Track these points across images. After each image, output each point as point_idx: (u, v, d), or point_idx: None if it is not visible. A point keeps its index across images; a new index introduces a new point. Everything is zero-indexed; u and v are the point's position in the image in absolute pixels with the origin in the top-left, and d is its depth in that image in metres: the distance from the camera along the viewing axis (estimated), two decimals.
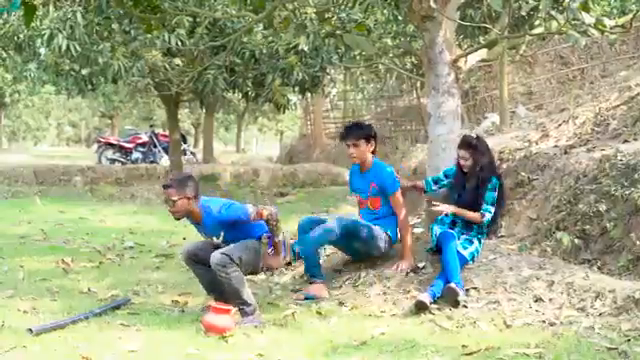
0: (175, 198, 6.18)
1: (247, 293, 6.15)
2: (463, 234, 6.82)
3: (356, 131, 7.16)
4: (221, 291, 6.31)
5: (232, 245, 6.21)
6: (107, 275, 8.02)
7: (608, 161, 8.22)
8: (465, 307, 6.11)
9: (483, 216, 6.83)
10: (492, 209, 6.85)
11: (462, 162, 6.94)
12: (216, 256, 6.05)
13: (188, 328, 5.83)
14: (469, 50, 8.71)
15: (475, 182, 6.87)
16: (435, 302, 6.19)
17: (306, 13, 11.68)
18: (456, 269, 6.37)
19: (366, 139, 7.11)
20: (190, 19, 13.95)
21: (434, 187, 7.36)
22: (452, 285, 6.22)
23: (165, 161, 24.48)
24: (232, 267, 6.04)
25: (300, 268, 7.88)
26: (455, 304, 6.15)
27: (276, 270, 7.53)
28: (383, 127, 28.02)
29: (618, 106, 10.40)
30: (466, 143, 6.94)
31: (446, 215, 7.01)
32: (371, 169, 7.18)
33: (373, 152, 7.21)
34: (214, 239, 6.43)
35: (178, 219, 6.41)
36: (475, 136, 7.08)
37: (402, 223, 7.10)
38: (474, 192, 6.87)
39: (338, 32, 9.66)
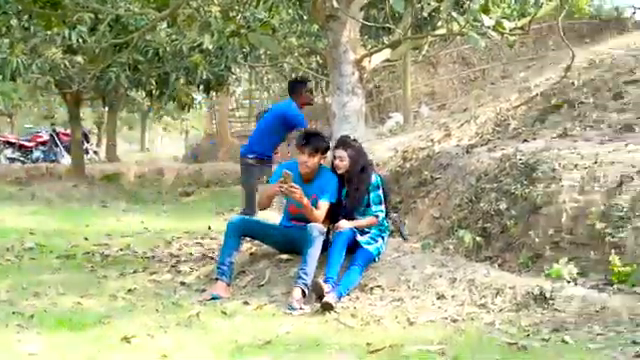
0: None
1: None
2: (365, 234, 6.79)
3: (318, 142, 6.88)
4: None
5: None
6: (6, 277, 7.78)
7: (508, 160, 8.41)
8: (371, 305, 6.15)
9: (377, 217, 6.84)
10: (382, 207, 6.85)
11: (337, 162, 6.82)
12: None
13: (90, 330, 5.71)
14: (373, 50, 8.78)
15: (357, 184, 6.80)
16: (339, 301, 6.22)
17: (210, 11, 11.59)
18: (336, 264, 6.41)
19: (323, 152, 6.93)
20: (92, 16, 13.69)
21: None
22: (318, 280, 6.27)
23: (66, 160, 24.01)
24: None
25: (203, 268, 7.82)
26: (320, 299, 6.17)
27: None
28: None
29: (518, 106, 10.67)
30: (344, 142, 6.87)
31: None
32: (316, 178, 6.94)
33: None
34: None
35: None
36: (352, 137, 7.05)
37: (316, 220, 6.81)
38: (357, 194, 6.80)
39: (243, 31, 9.58)
